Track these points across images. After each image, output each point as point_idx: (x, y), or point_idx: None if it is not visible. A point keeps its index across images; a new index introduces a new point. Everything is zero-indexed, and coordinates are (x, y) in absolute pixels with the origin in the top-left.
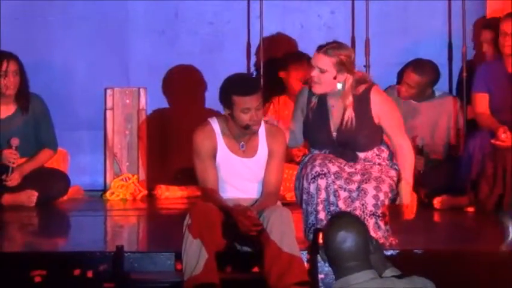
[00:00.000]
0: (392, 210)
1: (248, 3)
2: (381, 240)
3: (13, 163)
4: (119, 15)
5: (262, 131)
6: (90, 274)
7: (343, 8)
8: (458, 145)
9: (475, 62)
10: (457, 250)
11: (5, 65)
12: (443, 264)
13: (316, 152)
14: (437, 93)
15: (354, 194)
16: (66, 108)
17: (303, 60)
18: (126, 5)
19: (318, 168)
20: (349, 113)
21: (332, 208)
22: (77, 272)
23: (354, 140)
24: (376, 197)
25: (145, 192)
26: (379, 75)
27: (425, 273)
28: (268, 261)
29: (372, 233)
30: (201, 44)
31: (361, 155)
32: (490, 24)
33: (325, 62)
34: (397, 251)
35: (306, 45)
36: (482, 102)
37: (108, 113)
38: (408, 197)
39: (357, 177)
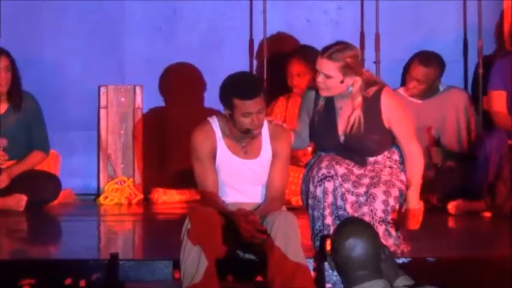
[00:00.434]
0: (399, 218)
1: None
2: (392, 248)
3: (1, 164)
4: (114, 10)
5: (265, 131)
6: (82, 283)
7: (350, 5)
8: (473, 146)
9: (493, 57)
10: (473, 257)
11: None
12: (458, 272)
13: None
14: (441, 88)
15: (362, 199)
16: (58, 106)
17: (295, 54)
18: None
19: (324, 171)
20: (357, 114)
21: (340, 212)
22: (68, 281)
23: (363, 145)
24: (385, 202)
25: (141, 196)
26: (390, 71)
27: (439, 282)
28: (272, 270)
29: (383, 241)
30: (199, 40)
31: (371, 158)
32: None
33: (329, 67)
34: (409, 258)
35: (313, 41)
36: (499, 100)
37: (102, 112)
38: (415, 206)
39: (366, 180)
